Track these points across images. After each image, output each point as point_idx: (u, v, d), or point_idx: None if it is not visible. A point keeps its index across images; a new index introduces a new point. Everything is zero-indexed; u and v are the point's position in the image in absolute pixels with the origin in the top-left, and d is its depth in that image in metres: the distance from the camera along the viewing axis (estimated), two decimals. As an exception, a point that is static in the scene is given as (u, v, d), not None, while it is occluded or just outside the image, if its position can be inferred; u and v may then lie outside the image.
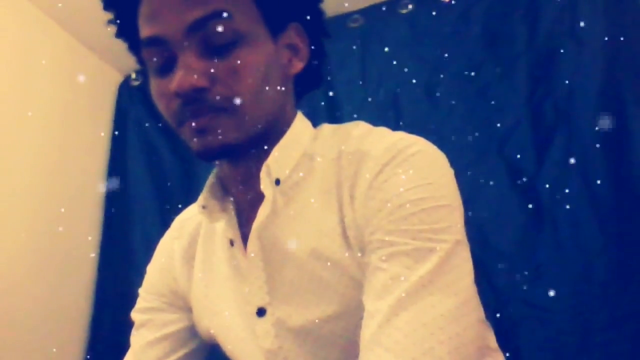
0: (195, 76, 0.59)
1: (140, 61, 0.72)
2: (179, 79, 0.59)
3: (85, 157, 1.72)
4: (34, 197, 1.50)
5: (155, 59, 0.63)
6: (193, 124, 0.61)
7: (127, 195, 1.77)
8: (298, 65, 0.70)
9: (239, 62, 0.60)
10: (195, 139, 0.62)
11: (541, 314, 1.27)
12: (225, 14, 0.60)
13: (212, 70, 0.60)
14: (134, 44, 0.69)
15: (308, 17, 0.70)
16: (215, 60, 0.60)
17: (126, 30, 0.69)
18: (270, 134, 0.67)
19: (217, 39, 0.60)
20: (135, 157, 1.81)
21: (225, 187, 0.74)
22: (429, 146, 0.64)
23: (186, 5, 0.60)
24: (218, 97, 0.60)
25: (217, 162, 0.72)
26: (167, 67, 0.62)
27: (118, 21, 0.69)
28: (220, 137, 0.61)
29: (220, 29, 0.60)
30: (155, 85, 0.65)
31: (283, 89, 0.68)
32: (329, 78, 1.60)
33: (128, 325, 0.84)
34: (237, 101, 0.61)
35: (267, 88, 0.63)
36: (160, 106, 0.65)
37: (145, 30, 0.63)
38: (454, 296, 0.54)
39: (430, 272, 0.54)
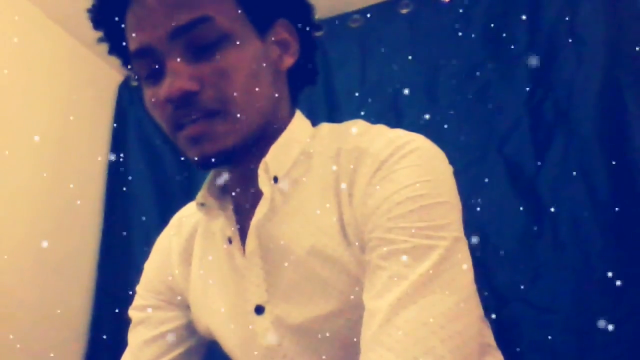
0: (184, 80, 0.59)
1: (135, 74, 0.73)
2: (168, 85, 0.60)
3: (85, 156, 1.72)
4: (34, 196, 1.50)
5: (144, 69, 0.64)
6: (187, 133, 0.62)
7: (127, 195, 1.77)
8: (289, 61, 0.69)
9: (225, 62, 0.61)
10: (191, 148, 0.63)
11: (541, 314, 1.27)
12: (207, 18, 0.60)
13: (200, 74, 0.60)
14: (127, 58, 0.69)
15: (295, 12, 0.70)
16: (203, 64, 0.60)
17: (118, 46, 0.69)
18: (267, 132, 0.67)
19: (201, 41, 0.60)
20: (135, 157, 1.81)
21: (224, 186, 0.74)
22: (427, 143, 0.64)
23: (168, 11, 0.60)
24: (209, 100, 0.60)
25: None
26: (157, 76, 0.63)
27: (109, 39, 0.70)
28: (216, 143, 0.61)
29: (204, 32, 0.60)
30: (148, 95, 0.65)
31: (275, 86, 0.68)
32: (328, 78, 1.60)
33: (128, 324, 0.84)
34: (228, 103, 0.61)
35: (257, 86, 0.63)
36: (154, 115, 0.66)
37: (132, 42, 0.63)
38: (454, 294, 0.54)
39: (430, 270, 0.54)
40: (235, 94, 0.61)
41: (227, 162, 0.66)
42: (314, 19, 0.73)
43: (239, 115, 0.62)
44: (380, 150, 0.63)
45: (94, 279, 1.69)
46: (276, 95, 0.68)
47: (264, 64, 0.65)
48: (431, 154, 0.63)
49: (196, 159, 0.63)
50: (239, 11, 0.63)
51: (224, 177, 0.73)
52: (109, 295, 1.65)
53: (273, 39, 0.67)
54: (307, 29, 0.72)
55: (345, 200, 0.64)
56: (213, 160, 0.62)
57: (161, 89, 0.61)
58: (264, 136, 0.67)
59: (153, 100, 0.64)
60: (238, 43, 0.62)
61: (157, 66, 0.62)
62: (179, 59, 0.60)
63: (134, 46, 0.63)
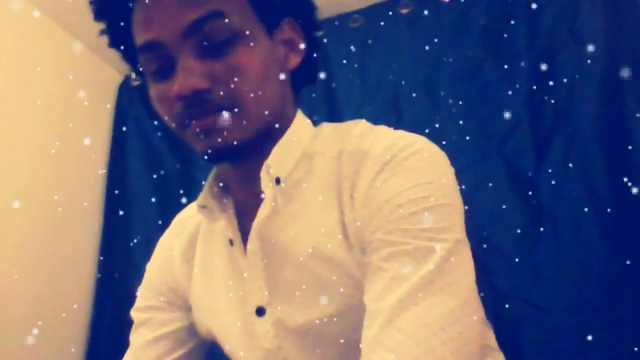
0: (196, 78, 0.59)
1: (136, 69, 0.72)
2: (180, 82, 0.59)
3: (85, 157, 1.72)
4: (34, 196, 1.49)
5: (152, 64, 0.63)
6: (197, 126, 0.61)
7: (127, 195, 1.76)
8: (295, 61, 0.70)
9: (237, 61, 0.61)
10: (200, 141, 0.62)
11: (541, 314, 1.27)
12: (220, 14, 0.60)
13: (212, 71, 0.60)
14: (129, 52, 0.69)
15: (301, 11, 0.70)
16: (214, 61, 0.60)
17: (119, 39, 0.68)
18: (272, 131, 0.67)
19: (214, 38, 0.60)
20: (135, 157, 1.81)
21: (225, 187, 0.74)
22: (429, 145, 0.64)
23: (181, 7, 0.60)
24: (219, 98, 0.60)
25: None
26: (165, 72, 0.62)
27: (110, 31, 0.69)
28: (225, 137, 0.61)
29: (216, 29, 0.60)
30: (154, 91, 0.65)
31: (282, 85, 0.68)
32: (328, 78, 1.60)
33: (128, 325, 0.84)
34: (239, 100, 0.61)
35: (266, 85, 0.63)
36: (161, 111, 0.65)
37: (140, 36, 0.62)
38: (455, 296, 0.54)
39: (432, 272, 0.54)
40: (245, 92, 0.61)
41: (235, 157, 0.65)
42: (317, 19, 0.73)
43: (248, 113, 0.62)
44: (382, 152, 0.63)
45: (94, 279, 1.69)
46: (282, 94, 0.68)
47: (272, 63, 0.65)
48: (433, 156, 0.63)
49: (205, 152, 0.63)
50: (249, 9, 0.63)
51: (226, 176, 0.73)
52: (109, 296, 1.65)
53: (279, 37, 0.68)
54: (311, 29, 0.72)
55: (347, 202, 0.64)
56: (222, 154, 0.62)
57: (172, 87, 0.60)
58: (268, 135, 0.67)
59: (161, 96, 0.63)
60: (249, 42, 0.62)
61: (165, 62, 0.62)
62: (191, 56, 0.60)
63: (142, 40, 0.62)
